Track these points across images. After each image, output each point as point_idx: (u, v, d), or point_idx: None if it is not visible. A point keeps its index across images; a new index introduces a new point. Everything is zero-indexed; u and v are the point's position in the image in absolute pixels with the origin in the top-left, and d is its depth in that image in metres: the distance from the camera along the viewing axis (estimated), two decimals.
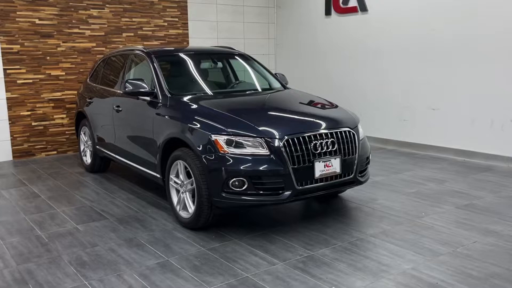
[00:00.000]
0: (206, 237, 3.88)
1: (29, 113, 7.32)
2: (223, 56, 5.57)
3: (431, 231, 3.96)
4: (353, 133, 4.12)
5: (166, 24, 8.44)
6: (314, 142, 3.82)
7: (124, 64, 5.48)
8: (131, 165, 5.07)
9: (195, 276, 3.18)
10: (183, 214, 4.08)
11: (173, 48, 5.32)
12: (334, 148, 3.93)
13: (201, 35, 8.86)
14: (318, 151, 3.83)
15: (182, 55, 5.16)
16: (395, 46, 7.50)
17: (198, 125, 3.89)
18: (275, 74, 5.63)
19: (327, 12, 8.66)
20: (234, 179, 3.64)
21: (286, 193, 3.71)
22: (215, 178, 3.68)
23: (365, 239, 3.80)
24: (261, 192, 3.69)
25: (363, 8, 7.96)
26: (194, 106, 4.24)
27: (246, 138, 3.69)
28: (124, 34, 8.00)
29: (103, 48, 7.79)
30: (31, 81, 7.26)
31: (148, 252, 3.60)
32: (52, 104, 7.48)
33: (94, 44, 7.72)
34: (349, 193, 5.05)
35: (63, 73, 7.52)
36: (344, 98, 8.52)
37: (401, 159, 6.76)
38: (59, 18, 7.35)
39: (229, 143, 3.68)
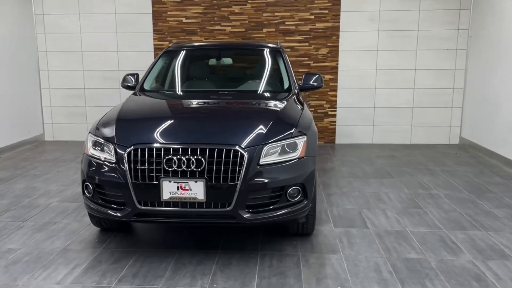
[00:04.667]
0: (93, 239, 3.97)
1: None
2: (245, 51, 5.17)
3: None
4: (241, 154, 3.30)
5: (312, 17, 8.14)
6: (168, 157, 3.30)
7: None
8: None
9: None
10: None
11: (190, 44, 5.33)
12: (200, 169, 3.28)
13: (356, 28, 8.10)
14: (173, 169, 3.29)
15: (193, 50, 5.14)
16: None
17: (96, 123, 3.93)
18: (306, 74, 4.82)
19: None
20: (86, 183, 3.60)
21: (124, 210, 3.39)
22: (81, 180, 3.72)
23: None
24: (104, 203, 3.50)
25: None
26: (126, 103, 4.26)
27: (103, 142, 3.56)
28: (264, 30, 8.22)
29: None
30: None
31: (12, 241, 3.99)
32: None
33: (233, 41, 8.26)
34: (321, 236, 3.96)
35: None
36: None
37: None
38: (203, 16, 8.24)
39: (95, 144, 3.63)
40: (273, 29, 8.21)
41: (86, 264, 3.48)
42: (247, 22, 8.20)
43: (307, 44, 8.22)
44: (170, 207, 3.33)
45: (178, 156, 3.29)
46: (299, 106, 4.20)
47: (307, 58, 8.24)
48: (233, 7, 8.18)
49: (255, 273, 3.32)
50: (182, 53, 5.22)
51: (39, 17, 8.39)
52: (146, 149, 3.35)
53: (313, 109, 8.36)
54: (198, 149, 3.31)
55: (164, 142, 3.37)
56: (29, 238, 4.00)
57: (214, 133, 3.48)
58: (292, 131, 3.57)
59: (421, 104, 8.29)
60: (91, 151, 3.62)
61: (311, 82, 4.78)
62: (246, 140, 3.39)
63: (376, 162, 6.86)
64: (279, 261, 3.53)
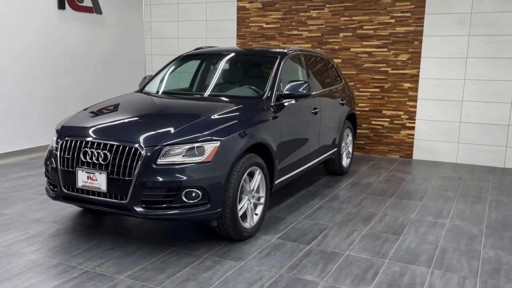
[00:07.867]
0: (65, 216, 4.69)
1: None
2: (246, 58, 5.35)
3: None
4: (139, 152, 3.63)
5: (393, 21, 7.73)
6: (85, 150, 3.82)
7: None
8: None
9: None
10: None
11: (201, 49, 5.71)
12: (105, 162, 3.72)
13: (442, 32, 7.42)
14: (86, 160, 3.80)
15: (198, 56, 5.59)
16: None
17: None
18: (291, 81, 4.82)
19: None
20: (44, 167, 4.34)
21: (56, 191, 4.02)
22: None
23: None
24: (50, 185, 4.19)
25: None
26: (104, 101, 4.89)
27: (58, 133, 4.23)
28: (341, 34, 8.10)
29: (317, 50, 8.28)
30: None
31: None
32: None
33: (309, 45, 8.35)
34: (250, 243, 4.01)
35: None
36: None
37: None
38: (281, 21, 8.51)
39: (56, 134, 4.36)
40: (350, 34, 8.02)
41: (31, 233, 4.20)
42: (323, 26, 8.18)
43: (385, 49, 7.82)
44: (83, 194, 3.83)
45: (92, 150, 3.78)
46: (250, 114, 4.28)
47: (384, 65, 7.84)
48: (311, 11, 8.25)
49: (141, 265, 3.60)
50: (189, 59, 5.67)
51: (147, 24, 9.71)
52: (73, 141, 3.93)
53: (388, 119, 7.92)
54: (108, 144, 3.75)
55: (84, 136, 3.90)
56: (27, 208, 4.92)
57: (124, 130, 3.87)
58: (200, 135, 3.73)
59: None
60: (53, 139, 4.34)
61: (300, 90, 4.74)
62: (148, 139, 3.69)
63: (428, 183, 6.25)
64: (178, 259, 3.73)
